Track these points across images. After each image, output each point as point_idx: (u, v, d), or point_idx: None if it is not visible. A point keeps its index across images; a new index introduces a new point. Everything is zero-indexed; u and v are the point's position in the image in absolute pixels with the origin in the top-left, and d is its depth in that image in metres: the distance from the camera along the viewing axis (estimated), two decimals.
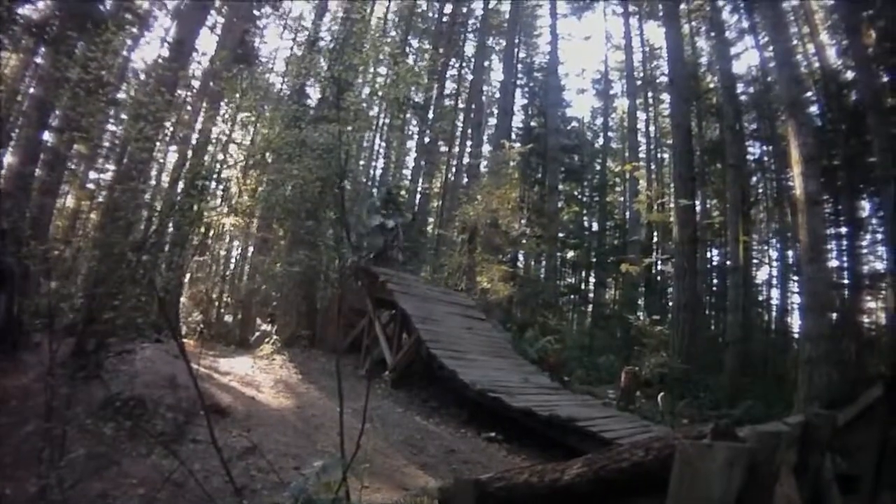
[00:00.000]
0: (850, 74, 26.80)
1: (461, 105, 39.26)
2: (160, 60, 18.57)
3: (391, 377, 16.54)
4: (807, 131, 17.39)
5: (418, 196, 35.74)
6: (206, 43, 23.80)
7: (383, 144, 37.33)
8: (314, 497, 5.90)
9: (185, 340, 18.96)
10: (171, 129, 16.90)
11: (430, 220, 35.66)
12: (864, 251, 28.06)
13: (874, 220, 26.57)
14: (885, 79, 23.88)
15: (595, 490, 4.36)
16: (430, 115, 36.58)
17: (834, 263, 28.05)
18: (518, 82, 39.34)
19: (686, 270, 24.38)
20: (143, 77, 18.95)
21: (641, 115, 42.34)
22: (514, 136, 35.30)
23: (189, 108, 19.36)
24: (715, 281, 34.88)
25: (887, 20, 20.68)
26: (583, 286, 41.96)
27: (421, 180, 35.29)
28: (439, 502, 5.46)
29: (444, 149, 37.78)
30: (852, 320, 26.01)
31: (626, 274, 26.31)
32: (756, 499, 3.44)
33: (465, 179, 33.96)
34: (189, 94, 19.37)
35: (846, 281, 27.59)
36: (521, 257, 33.21)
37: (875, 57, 23.85)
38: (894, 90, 23.58)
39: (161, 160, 19.83)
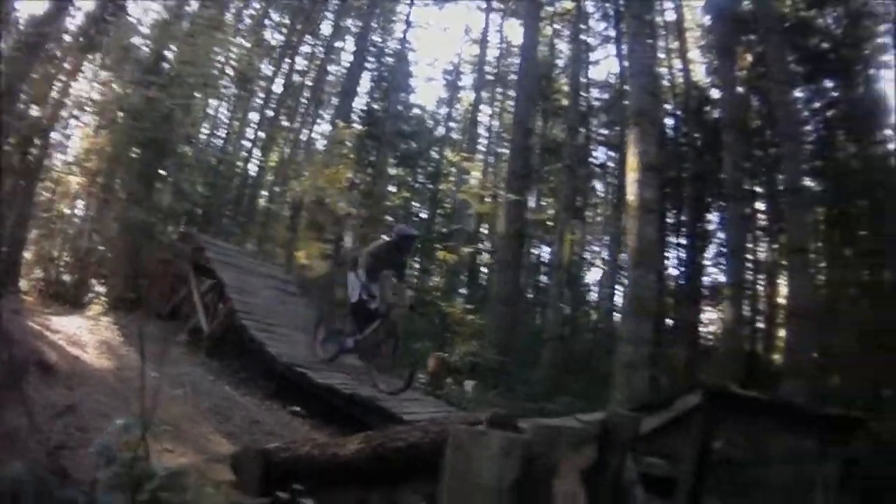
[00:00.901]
0: (715, 93, 27.94)
1: (309, 83, 38.94)
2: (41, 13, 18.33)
3: (206, 345, 16.46)
4: (649, 140, 17.85)
5: (255, 169, 35.53)
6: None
7: (228, 114, 36.70)
8: (116, 455, 6.23)
9: (25, 297, 18.86)
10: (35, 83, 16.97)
11: (264, 193, 35.30)
12: (708, 263, 29.42)
13: (720, 235, 27.69)
14: (755, 101, 25.58)
15: (373, 467, 4.76)
16: (278, 90, 36.34)
17: (674, 272, 29.85)
18: (368, 65, 39.02)
19: (509, 264, 25.06)
20: (21, 28, 18.68)
21: (487, 110, 43.39)
22: (356, 118, 35.29)
23: (57, 62, 19.35)
24: (544, 278, 35.76)
25: (767, 45, 21.51)
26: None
27: (259, 153, 35.05)
28: (231, 468, 5.90)
29: (286, 124, 37.39)
30: (688, 329, 27.26)
31: (448, 262, 26.85)
32: (533, 491, 3.60)
33: (302, 156, 34.57)
34: (60, 48, 19.35)
35: (688, 291, 28.83)
36: (347, 238, 33.49)
37: (748, 79, 25.25)
38: (759, 113, 25.24)
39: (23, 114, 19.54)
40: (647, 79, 19.52)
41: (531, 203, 33.53)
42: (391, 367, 14.11)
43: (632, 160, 17.37)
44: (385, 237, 15.26)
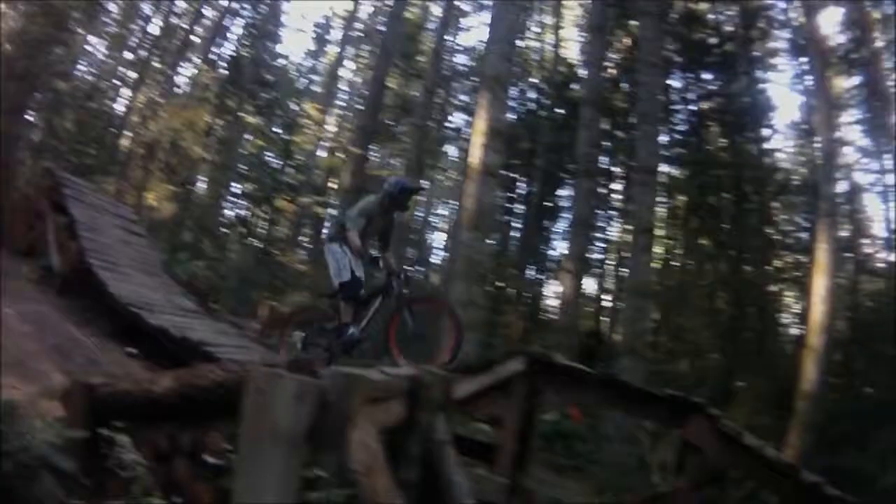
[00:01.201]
0: (583, 71, 27.63)
1: (185, 25, 38.46)
2: None
3: (57, 283, 15.86)
4: (501, 107, 18.29)
5: (122, 109, 34.99)
6: None
7: (105, 52, 36.05)
8: None
9: None
10: None
11: (128, 133, 34.82)
12: (556, 238, 30.34)
13: (571, 209, 26.95)
14: (626, 85, 26.46)
15: (184, 405, 4.78)
16: (155, 31, 35.92)
17: (519, 243, 30.57)
18: (242, 12, 38.59)
19: None
20: None
21: (352, 65, 44.04)
22: (223, 64, 35.71)
23: None
24: None
25: (648, 31, 21.17)
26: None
27: (129, 93, 34.65)
28: (61, 403, 5.91)
29: (157, 65, 36.91)
30: (529, 299, 28.22)
31: (288, 212, 27.12)
32: (327, 438, 3.56)
33: (166, 98, 33.54)
34: None
35: (532, 262, 29.92)
36: (202, 183, 34.08)
37: (623, 62, 26.21)
38: (626, 96, 26.00)
39: None
40: (506, 46, 19.57)
41: (379, 160, 34.41)
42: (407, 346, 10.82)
43: (480, 124, 17.38)
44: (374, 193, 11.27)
